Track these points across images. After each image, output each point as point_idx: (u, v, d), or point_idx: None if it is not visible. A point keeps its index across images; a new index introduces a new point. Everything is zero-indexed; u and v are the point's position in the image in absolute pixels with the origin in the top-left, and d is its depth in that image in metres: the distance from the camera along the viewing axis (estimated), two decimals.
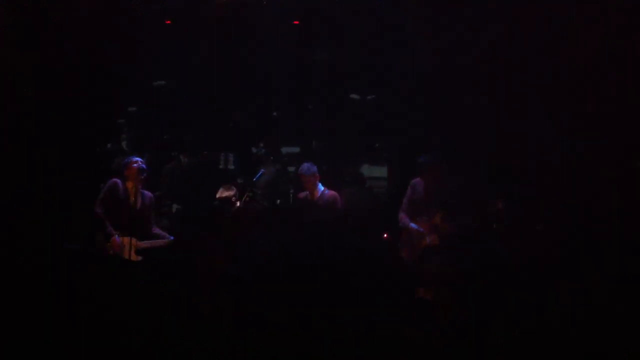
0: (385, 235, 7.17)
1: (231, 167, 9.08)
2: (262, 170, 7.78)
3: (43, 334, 4.10)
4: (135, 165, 6.73)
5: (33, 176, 7.97)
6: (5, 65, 8.63)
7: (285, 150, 9.19)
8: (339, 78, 9.33)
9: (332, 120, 9.20)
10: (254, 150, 8.96)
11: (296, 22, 9.19)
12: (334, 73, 9.30)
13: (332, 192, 7.34)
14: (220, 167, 9.12)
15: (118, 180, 6.77)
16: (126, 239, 6.54)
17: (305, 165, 7.33)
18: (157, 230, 6.96)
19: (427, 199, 7.07)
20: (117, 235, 6.56)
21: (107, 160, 8.39)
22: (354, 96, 9.34)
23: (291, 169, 8.88)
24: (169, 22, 9.00)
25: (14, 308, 4.21)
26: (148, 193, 6.90)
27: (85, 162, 8.33)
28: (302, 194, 7.42)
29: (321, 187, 7.32)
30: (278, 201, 8.15)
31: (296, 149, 9.25)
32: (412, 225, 7.03)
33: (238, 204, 7.67)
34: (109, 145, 8.88)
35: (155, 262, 6.20)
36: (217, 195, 7.63)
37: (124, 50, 8.87)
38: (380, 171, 9.34)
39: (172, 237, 6.72)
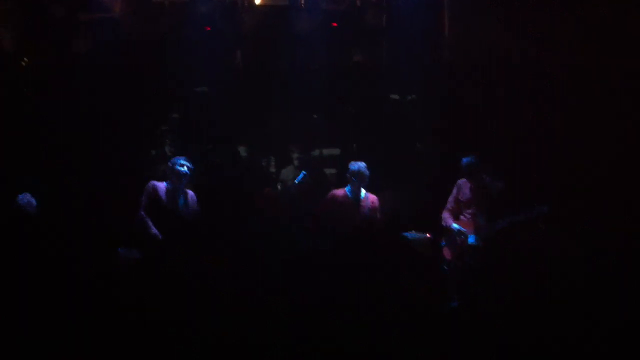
0: (428, 235, 7.15)
1: (272, 169, 9.12)
2: (304, 172, 7.78)
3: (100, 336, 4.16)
4: (177, 166, 6.80)
5: (77, 184, 8.13)
6: (44, 70, 8.84)
7: (326, 152, 9.20)
8: (378, 79, 9.33)
9: (373, 122, 9.17)
10: (292, 152, 8.98)
11: (334, 24, 9.22)
12: (374, 74, 9.30)
13: (374, 196, 7.21)
14: (262, 170, 9.16)
15: (157, 183, 6.83)
16: None
17: (361, 165, 7.09)
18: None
19: (473, 200, 7.06)
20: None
21: (151, 166, 8.51)
22: (394, 96, 9.31)
23: (332, 170, 8.90)
24: (208, 28, 9.10)
25: (67, 310, 4.29)
26: (191, 192, 6.93)
27: (129, 169, 8.47)
28: (339, 192, 7.25)
29: (363, 190, 7.20)
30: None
31: (336, 151, 9.24)
32: (454, 225, 7.02)
33: (279, 205, 7.73)
34: (153, 152, 9.00)
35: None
36: (259, 198, 7.72)
37: (164, 57, 9.02)
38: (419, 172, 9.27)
39: None
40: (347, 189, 7.18)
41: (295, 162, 8.80)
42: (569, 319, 4.26)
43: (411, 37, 9.02)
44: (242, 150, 9.24)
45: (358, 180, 7.08)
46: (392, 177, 8.56)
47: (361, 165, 7.12)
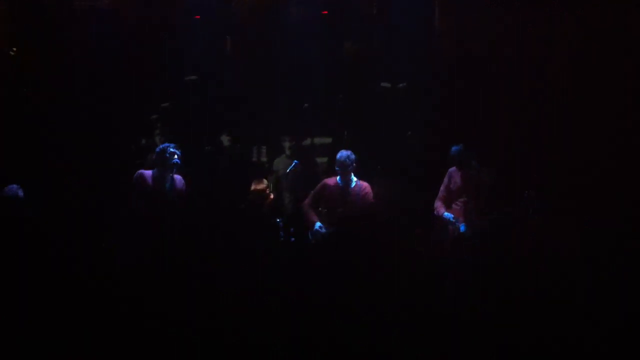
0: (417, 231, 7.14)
1: (263, 159, 9.09)
2: (296, 162, 7.77)
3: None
4: (165, 153, 6.74)
5: (68, 175, 8.10)
6: (36, 64, 8.78)
7: (317, 141, 9.17)
8: (370, 67, 9.30)
9: (364, 110, 9.15)
10: (284, 142, 8.96)
11: (325, 12, 9.18)
12: (365, 62, 9.27)
13: (365, 184, 7.22)
14: (253, 160, 9.14)
15: (144, 171, 6.78)
16: None
17: (344, 154, 7.13)
18: None
19: (464, 188, 7.07)
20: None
21: (142, 155, 8.48)
22: (385, 85, 9.28)
23: (323, 159, 8.88)
24: (198, 17, 9.05)
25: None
26: (178, 177, 6.87)
27: (120, 159, 8.44)
28: (331, 181, 7.26)
29: (354, 178, 7.21)
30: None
31: (328, 140, 9.22)
32: (446, 215, 7.04)
33: (271, 196, 7.71)
34: (143, 141, 8.96)
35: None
36: (252, 188, 7.68)
37: (155, 46, 8.96)
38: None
39: None
40: (338, 177, 7.19)
41: (287, 152, 8.78)
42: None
43: (403, 26, 8.99)
44: (233, 140, 9.20)
45: (341, 168, 7.10)
46: (383, 166, 8.58)
47: (343, 153, 7.14)
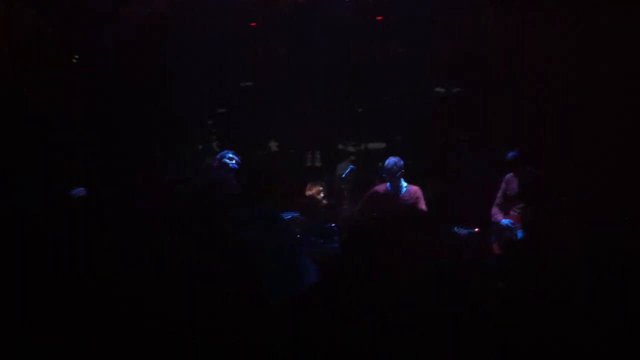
0: (476, 230, 7.13)
1: (318, 164, 9.16)
2: (351, 166, 7.82)
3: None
4: (226, 159, 6.89)
5: (123, 180, 8.24)
6: (80, 68, 8.93)
7: (371, 146, 9.21)
8: (423, 72, 9.30)
9: (418, 115, 9.16)
10: (340, 146, 9.01)
11: (379, 18, 9.20)
12: (417, 67, 9.27)
13: (416, 187, 7.23)
14: (308, 164, 9.21)
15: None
16: None
17: (392, 160, 7.18)
18: None
19: (521, 194, 7.03)
20: None
21: (198, 161, 8.61)
22: (438, 89, 9.28)
23: (378, 164, 8.90)
24: (253, 24, 9.16)
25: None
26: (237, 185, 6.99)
27: (176, 164, 8.58)
28: (381, 187, 7.27)
29: (404, 183, 7.23)
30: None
31: (382, 145, 9.25)
32: (504, 221, 7.01)
33: (325, 201, 7.77)
34: (200, 146, 9.11)
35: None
36: (306, 193, 7.74)
37: (211, 53, 9.09)
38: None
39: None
40: (388, 183, 7.20)
41: (344, 157, 8.83)
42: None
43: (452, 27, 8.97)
44: (285, 146, 9.30)
45: (387, 175, 7.13)
46: (433, 170, 8.57)
47: (391, 160, 7.17)
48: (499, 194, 7.22)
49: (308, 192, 7.81)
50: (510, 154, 7.20)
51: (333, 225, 7.36)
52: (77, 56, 8.83)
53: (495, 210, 7.17)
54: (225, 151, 7.03)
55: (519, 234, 6.90)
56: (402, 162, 7.18)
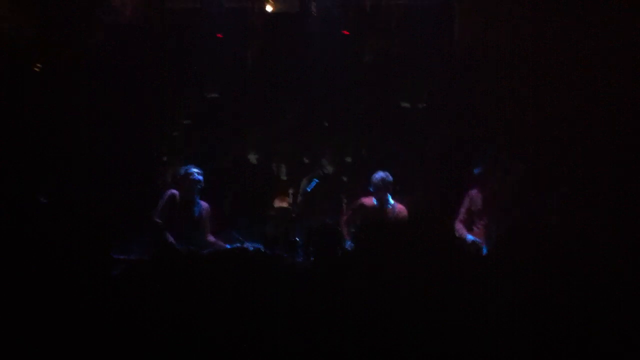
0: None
1: (283, 177, 9.12)
2: (316, 180, 7.80)
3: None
4: (191, 176, 6.85)
5: (88, 188, 8.14)
6: (60, 74, 8.84)
7: (337, 160, 9.18)
8: (389, 87, 9.33)
9: (383, 130, 9.17)
10: (305, 160, 8.99)
11: (346, 32, 9.22)
12: (384, 82, 9.30)
13: (401, 206, 7.14)
14: (274, 177, 9.17)
15: (175, 191, 6.91)
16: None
17: (380, 175, 7.08)
18: (212, 239, 7.06)
19: (485, 210, 7.07)
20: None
21: (163, 172, 8.53)
22: (404, 104, 9.31)
23: (343, 178, 8.88)
24: (220, 35, 9.11)
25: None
26: (204, 203, 7.02)
27: (141, 175, 8.49)
28: (367, 200, 7.17)
29: (390, 200, 7.12)
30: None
31: (348, 159, 9.24)
32: (469, 237, 7.02)
33: (294, 214, 7.73)
34: (164, 158, 9.02)
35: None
36: (275, 206, 7.72)
37: (177, 64, 9.03)
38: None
39: (227, 246, 6.80)
40: (374, 197, 7.16)
41: (307, 170, 8.80)
42: (572, 319, 4.25)
43: (421, 41, 9.02)
44: (252, 158, 9.24)
45: (374, 189, 7.08)
46: (402, 184, 8.57)
47: (379, 175, 7.12)
48: (462, 210, 7.23)
49: (277, 205, 7.80)
50: (476, 170, 7.25)
51: (297, 239, 7.33)
52: (39, 65, 8.70)
53: (459, 225, 7.19)
54: (190, 167, 6.96)
55: (485, 249, 6.92)
56: (390, 178, 7.11)
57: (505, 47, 8.63)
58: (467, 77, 8.85)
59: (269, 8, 9.31)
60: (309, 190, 7.70)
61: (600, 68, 8.11)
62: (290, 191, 8.54)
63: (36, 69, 8.67)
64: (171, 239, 6.69)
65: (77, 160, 8.49)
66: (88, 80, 8.77)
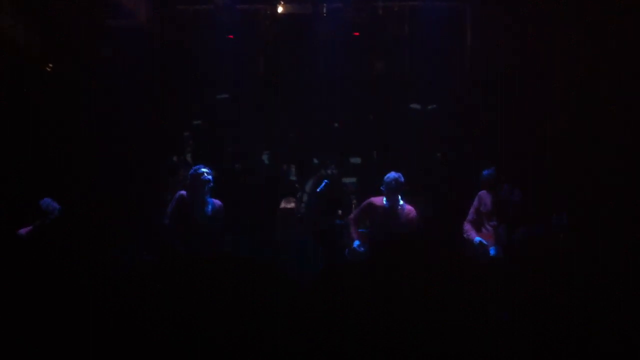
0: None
1: (292, 178, 9.13)
2: (326, 181, 7.79)
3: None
4: (201, 176, 6.82)
5: (99, 188, 8.19)
6: (68, 76, 8.92)
7: (347, 161, 9.21)
8: (399, 88, 9.34)
9: (394, 130, 9.18)
10: (315, 161, 8.99)
11: (356, 34, 9.24)
12: (395, 83, 9.31)
13: (411, 207, 7.07)
14: (282, 178, 9.19)
15: (184, 193, 6.89)
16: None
17: (392, 176, 6.98)
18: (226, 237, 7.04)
19: (495, 211, 7.05)
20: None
21: (173, 173, 8.56)
22: (414, 106, 9.31)
23: (352, 180, 8.89)
24: (231, 36, 9.16)
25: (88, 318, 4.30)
26: (217, 201, 6.95)
27: (152, 175, 8.53)
28: (377, 200, 7.12)
29: (401, 201, 7.07)
30: (340, 212, 8.15)
31: (357, 160, 9.24)
32: (477, 238, 6.99)
33: (299, 215, 7.73)
34: (174, 158, 9.05)
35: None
36: (280, 207, 7.70)
37: (188, 64, 9.08)
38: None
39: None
40: (384, 198, 7.13)
41: (321, 171, 8.80)
42: (575, 324, 4.23)
43: (433, 46, 9.03)
44: (265, 159, 9.27)
45: (386, 189, 7.04)
46: (411, 186, 8.56)
47: (391, 175, 7.05)
48: (472, 210, 7.21)
49: (283, 206, 7.78)
50: (485, 172, 7.23)
51: (306, 239, 7.33)
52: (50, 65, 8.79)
53: (468, 226, 7.15)
54: (200, 167, 6.94)
55: (492, 250, 6.91)
56: (402, 180, 7.01)
57: (516, 54, 8.63)
58: (477, 81, 8.86)
59: (280, 10, 9.36)
60: (319, 191, 7.69)
61: (614, 74, 8.07)
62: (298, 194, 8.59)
63: (47, 69, 8.74)
64: (177, 243, 6.66)
65: (87, 162, 8.54)
66: (99, 83, 8.84)
